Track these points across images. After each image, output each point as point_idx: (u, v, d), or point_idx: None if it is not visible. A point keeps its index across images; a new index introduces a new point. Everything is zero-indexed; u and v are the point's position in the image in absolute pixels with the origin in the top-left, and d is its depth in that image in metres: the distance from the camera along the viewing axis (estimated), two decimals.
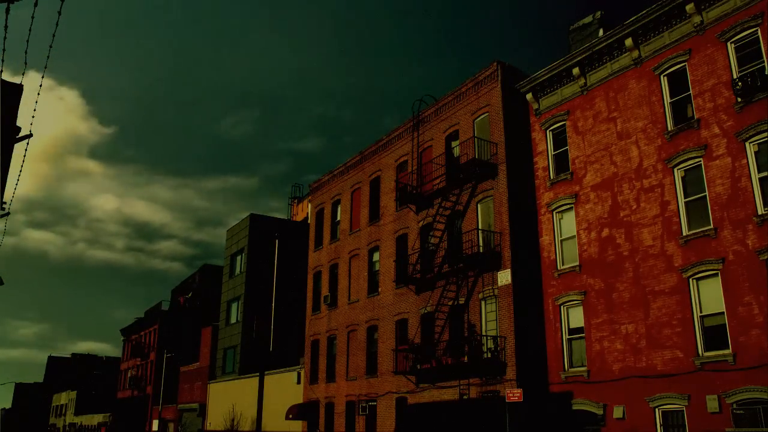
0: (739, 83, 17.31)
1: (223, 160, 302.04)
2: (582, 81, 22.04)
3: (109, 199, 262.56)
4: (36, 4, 8.84)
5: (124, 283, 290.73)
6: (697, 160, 18.35)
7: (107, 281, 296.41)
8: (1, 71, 10.92)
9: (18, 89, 16.90)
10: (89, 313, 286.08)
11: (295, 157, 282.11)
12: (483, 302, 23.26)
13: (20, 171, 16.00)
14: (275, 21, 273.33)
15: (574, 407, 20.08)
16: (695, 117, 18.60)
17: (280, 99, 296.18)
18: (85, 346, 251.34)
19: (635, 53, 20.42)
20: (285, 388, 35.50)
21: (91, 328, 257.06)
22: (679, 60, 19.30)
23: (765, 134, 16.85)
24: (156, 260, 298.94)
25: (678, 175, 18.84)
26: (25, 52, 10.32)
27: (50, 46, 9.88)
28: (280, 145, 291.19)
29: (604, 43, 21.07)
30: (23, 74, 11.53)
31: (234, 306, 46.89)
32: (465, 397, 22.70)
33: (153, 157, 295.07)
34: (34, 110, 13.49)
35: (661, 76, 19.82)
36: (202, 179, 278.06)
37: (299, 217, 62.23)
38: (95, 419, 78.53)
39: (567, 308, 21.22)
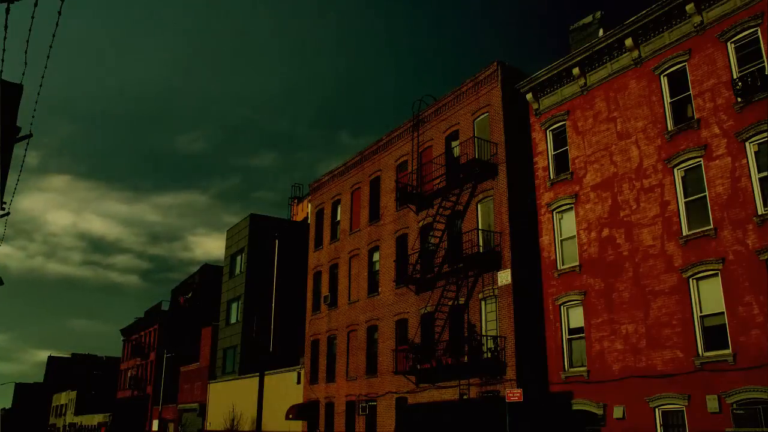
0: (739, 83, 17.31)
1: (178, 175, 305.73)
2: (582, 81, 22.04)
3: (64, 214, 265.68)
4: (36, 4, 8.84)
5: (83, 295, 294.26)
6: (697, 160, 18.35)
7: (66, 293, 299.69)
8: (2, 71, 10.92)
9: (18, 89, 16.89)
10: (48, 324, 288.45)
11: (248, 173, 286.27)
12: (483, 302, 23.26)
13: (20, 171, 16.01)
14: (248, 33, 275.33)
15: (574, 407, 20.07)
16: (695, 117, 18.60)
17: (237, 114, 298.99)
18: (45, 356, 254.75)
19: (635, 53, 20.42)
20: (285, 388, 35.50)
21: (51, 339, 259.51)
22: (679, 60, 19.30)
23: (765, 134, 16.85)
24: (113, 273, 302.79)
25: (678, 175, 18.83)
26: (25, 52, 10.32)
27: (50, 46, 9.88)
28: (234, 161, 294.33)
29: (604, 43, 21.07)
30: (23, 74, 11.53)
31: (234, 306, 46.89)
32: (465, 397, 22.70)
33: (107, 173, 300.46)
34: (34, 110, 13.49)
35: (661, 76, 19.82)
36: (155, 194, 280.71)
37: (299, 217, 62.22)
38: (95, 419, 78.52)
39: (567, 308, 21.21)
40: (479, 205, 24.33)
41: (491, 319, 22.87)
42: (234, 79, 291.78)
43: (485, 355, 22.15)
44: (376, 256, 30.13)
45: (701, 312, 17.59)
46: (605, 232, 20.44)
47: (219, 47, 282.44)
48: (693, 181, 18.49)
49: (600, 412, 19.31)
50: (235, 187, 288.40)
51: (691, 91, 18.93)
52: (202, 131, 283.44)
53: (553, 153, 22.90)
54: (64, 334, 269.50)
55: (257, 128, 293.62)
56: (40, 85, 11.49)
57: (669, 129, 19.28)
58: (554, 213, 22.25)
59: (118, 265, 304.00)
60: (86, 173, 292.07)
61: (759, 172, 16.91)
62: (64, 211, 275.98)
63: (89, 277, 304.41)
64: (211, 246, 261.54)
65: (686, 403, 17.22)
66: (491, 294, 22.88)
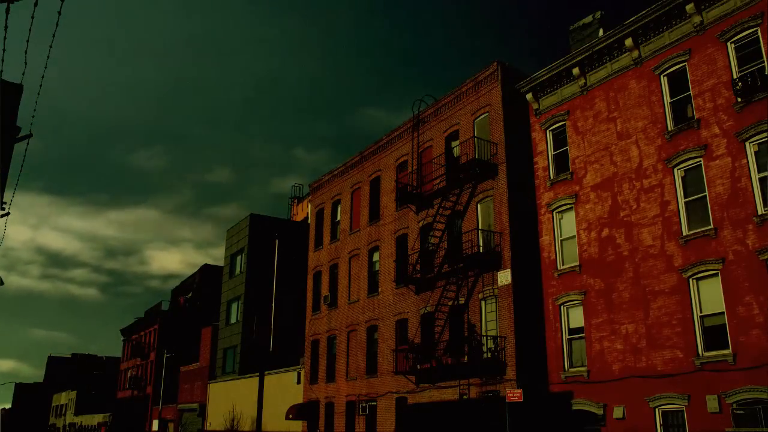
0: (739, 83, 17.31)
1: (134, 191, 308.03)
2: (582, 81, 22.04)
3: (21, 229, 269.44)
4: (36, 4, 8.84)
5: (43, 307, 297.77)
6: (697, 160, 18.35)
7: (27, 305, 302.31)
8: (2, 71, 10.92)
9: (18, 89, 16.88)
10: (11, 334, 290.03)
11: (203, 189, 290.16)
12: (483, 302, 23.26)
13: (20, 171, 16.02)
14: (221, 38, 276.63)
15: (574, 407, 20.07)
16: (695, 117, 18.59)
17: (194, 131, 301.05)
18: (7, 365, 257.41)
19: (635, 53, 20.42)
20: (285, 388, 35.50)
21: (13, 348, 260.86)
22: (679, 60, 19.30)
23: (765, 134, 16.85)
24: (72, 286, 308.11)
25: (678, 175, 18.83)
26: (25, 52, 10.32)
27: (50, 46, 9.88)
28: (190, 177, 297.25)
29: (604, 43, 21.07)
30: (23, 74, 11.53)
31: (234, 306, 46.88)
32: (465, 397, 22.70)
33: (65, 188, 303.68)
34: (34, 110, 13.50)
35: (661, 76, 19.82)
36: (112, 210, 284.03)
37: (299, 217, 62.22)
38: (95, 419, 78.51)
39: (567, 308, 21.21)
40: (479, 205, 24.32)
41: (491, 319, 22.87)
42: (193, 95, 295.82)
43: (485, 355, 22.15)
44: (376, 256, 30.13)
45: (701, 312, 17.59)
46: (605, 232, 20.44)
47: (178, 62, 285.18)
48: (693, 181, 18.49)
49: (600, 412, 19.30)
50: (190, 203, 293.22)
51: (691, 91, 18.93)
52: (160, 147, 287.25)
53: (553, 153, 22.90)
54: (27, 344, 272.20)
55: (213, 144, 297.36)
56: (40, 85, 11.49)
57: (669, 129, 19.27)
58: (554, 213, 22.25)
59: (76, 279, 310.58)
60: (44, 188, 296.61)
61: (759, 172, 16.91)
62: (22, 226, 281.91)
63: (49, 290, 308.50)
64: (167, 260, 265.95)
65: (686, 403, 17.23)
66: (491, 294, 22.88)
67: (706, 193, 17.94)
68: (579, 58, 21.83)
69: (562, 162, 22.58)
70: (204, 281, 64.96)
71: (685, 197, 18.56)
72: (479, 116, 25.12)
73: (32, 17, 8.96)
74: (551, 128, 23.09)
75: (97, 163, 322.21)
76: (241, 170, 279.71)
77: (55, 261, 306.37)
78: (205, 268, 66.41)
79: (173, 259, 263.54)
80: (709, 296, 17.49)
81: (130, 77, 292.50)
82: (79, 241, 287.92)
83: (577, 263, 21.08)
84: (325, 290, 33.42)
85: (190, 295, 66.08)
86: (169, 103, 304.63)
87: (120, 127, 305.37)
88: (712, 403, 16.61)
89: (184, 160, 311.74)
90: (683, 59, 19.17)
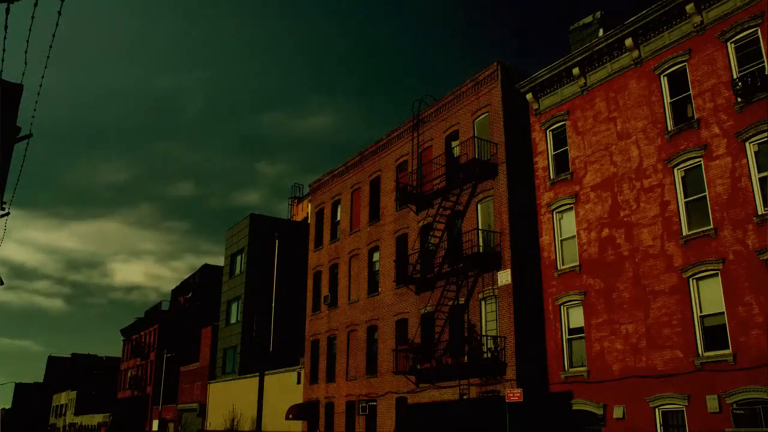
0: (739, 83, 17.31)
1: (99, 204, 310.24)
2: (582, 81, 22.04)
3: None
4: (36, 4, 8.84)
5: (9, 317, 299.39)
6: (697, 160, 18.35)
7: None
8: (2, 71, 10.92)
9: (18, 89, 16.87)
10: None
11: (166, 202, 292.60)
12: (483, 302, 23.26)
13: (20, 171, 16.02)
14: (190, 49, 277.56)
15: (574, 407, 20.07)
16: (695, 117, 18.60)
17: (159, 146, 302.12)
18: None
19: (635, 53, 20.42)
20: (285, 388, 35.50)
21: None
22: (679, 60, 19.30)
23: (765, 134, 16.85)
24: (38, 297, 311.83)
25: (678, 175, 18.84)
26: (25, 52, 10.33)
27: (50, 46, 9.89)
28: (153, 191, 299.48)
29: (604, 43, 21.07)
30: (23, 74, 11.54)
31: (234, 306, 46.89)
32: (465, 397, 22.71)
33: (28, 202, 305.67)
34: (35, 110, 13.50)
35: (661, 76, 19.82)
36: (76, 222, 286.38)
37: (299, 217, 62.21)
38: (95, 419, 78.51)
39: (567, 308, 21.21)
40: (479, 205, 24.33)
41: (491, 319, 22.87)
42: (161, 109, 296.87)
43: (485, 355, 22.15)
44: (376, 256, 30.13)
45: (701, 312, 17.59)
46: (605, 232, 20.44)
47: (143, 76, 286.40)
48: (693, 181, 18.49)
49: (600, 412, 19.31)
50: (152, 216, 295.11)
51: (691, 91, 18.93)
52: (125, 161, 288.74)
53: (553, 153, 22.90)
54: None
55: (177, 159, 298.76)
56: (40, 86, 11.49)
57: (669, 129, 19.28)
58: (554, 213, 22.25)
59: (41, 291, 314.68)
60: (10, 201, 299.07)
61: (759, 172, 16.91)
62: None
63: (13, 301, 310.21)
64: (129, 271, 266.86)
65: (686, 403, 17.23)
66: (491, 294, 22.88)
67: (706, 193, 17.94)
68: (579, 58, 21.84)
69: (562, 162, 22.58)
70: (204, 281, 64.94)
71: (685, 197, 18.56)
72: (479, 116, 25.12)
73: (32, 17, 8.96)
74: (551, 128, 23.09)
75: (64, 176, 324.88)
76: (204, 183, 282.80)
77: (19, 273, 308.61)
78: (205, 268, 66.39)
79: (135, 272, 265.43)
80: (709, 296, 17.50)
81: (96, 90, 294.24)
82: (42, 253, 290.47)
83: (577, 263, 21.08)
84: (325, 290, 33.43)
85: (190, 295, 66.09)
86: (135, 113, 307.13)
87: (85, 138, 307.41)
88: (712, 403, 16.61)
89: (149, 174, 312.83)
90: (683, 59, 19.17)
